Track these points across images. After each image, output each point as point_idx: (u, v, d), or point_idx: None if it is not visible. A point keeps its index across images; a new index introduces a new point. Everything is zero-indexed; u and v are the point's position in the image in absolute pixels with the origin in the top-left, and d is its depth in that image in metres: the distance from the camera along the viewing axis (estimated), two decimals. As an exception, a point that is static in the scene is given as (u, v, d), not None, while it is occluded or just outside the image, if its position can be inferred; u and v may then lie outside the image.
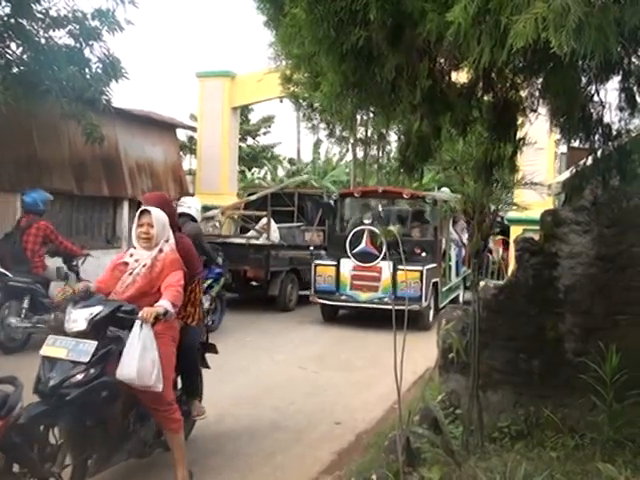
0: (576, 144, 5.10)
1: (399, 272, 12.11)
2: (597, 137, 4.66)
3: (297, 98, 16.90)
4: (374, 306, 12.38)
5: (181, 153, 20.90)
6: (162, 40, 72.59)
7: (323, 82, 4.00)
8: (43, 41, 11.91)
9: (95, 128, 12.82)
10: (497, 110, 4.40)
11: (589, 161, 4.89)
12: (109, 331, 4.70)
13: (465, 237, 15.36)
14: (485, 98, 4.48)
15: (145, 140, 16.68)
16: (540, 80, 4.13)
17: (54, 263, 10.24)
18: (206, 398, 5.94)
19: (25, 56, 11.94)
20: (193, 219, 10.01)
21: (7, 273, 9.33)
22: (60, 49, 12.00)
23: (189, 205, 10.14)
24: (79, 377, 4.40)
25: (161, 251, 5.04)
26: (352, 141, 19.93)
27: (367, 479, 4.36)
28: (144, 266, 4.99)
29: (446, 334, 5.80)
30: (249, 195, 17.03)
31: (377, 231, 12.16)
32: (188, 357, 5.51)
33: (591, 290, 5.75)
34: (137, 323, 4.59)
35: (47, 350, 4.55)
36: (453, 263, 15.08)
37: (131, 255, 5.13)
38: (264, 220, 14.48)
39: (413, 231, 14.13)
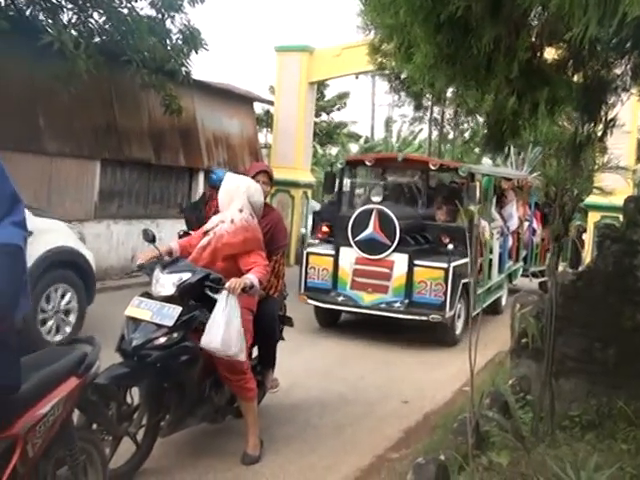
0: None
1: (417, 269, 9.28)
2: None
3: (385, 69, 16.44)
4: (380, 313, 9.42)
5: (257, 126, 21.00)
6: (242, 12, 72.95)
7: (416, 53, 3.90)
8: (125, 11, 12.10)
9: (174, 99, 13.04)
10: (589, 89, 4.26)
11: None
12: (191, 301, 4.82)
13: (513, 223, 12.88)
14: (575, 77, 4.35)
15: (222, 112, 16.83)
16: (634, 58, 3.98)
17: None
18: (277, 368, 5.99)
19: (107, 26, 12.17)
20: None
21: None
22: (142, 19, 12.17)
23: None
24: (162, 340, 4.53)
25: (232, 221, 5.05)
26: (429, 117, 19.56)
27: (435, 459, 4.33)
28: (214, 235, 5.08)
29: (522, 318, 5.70)
30: None
31: (389, 213, 9.53)
32: (267, 327, 5.56)
33: (672, 280, 5.57)
34: (224, 293, 4.67)
35: (132, 311, 4.68)
36: (495, 256, 11.59)
37: (211, 222, 5.28)
38: None
39: (439, 213, 10.63)
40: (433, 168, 10.60)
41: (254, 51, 72.79)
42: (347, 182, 11.77)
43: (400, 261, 9.36)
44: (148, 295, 4.80)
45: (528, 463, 4.49)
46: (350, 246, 9.58)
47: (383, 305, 9.33)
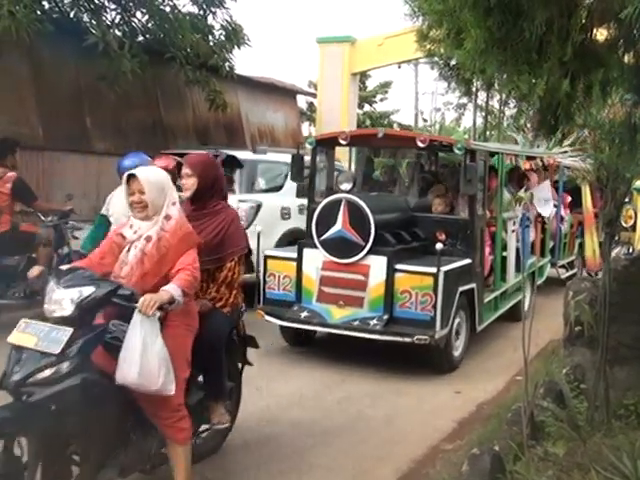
0: None
1: (398, 275, 7.11)
2: None
3: (434, 56, 16.19)
4: (351, 333, 7.18)
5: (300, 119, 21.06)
6: (283, 6, 73.16)
7: (466, 39, 3.79)
8: (168, 9, 12.26)
9: (218, 95, 13.15)
10: (640, 69, 4.16)
11: None
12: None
13: (547, 209, 10.16)
14: (625, 58, 4.26)
15: (266, 106, 16.94)
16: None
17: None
18: (329, 356, 5.93)
19: (150, 24, 12.33)
20: None
21: None
22: (184, 17, 12.32)
23: None
24: (47, 373, 3.45)
25: (168, 217, 4.04)
26: (474, 103, 19.34)
27: (490, 450, 4.28)
28: (148, 240, 3.98)
29: (576, 306, 5.61)
30: None
31: (361, 203, 7.38)
32: (211, 349, 4.48)
33: None
34: (136, 313, 3.67)
35: (16, 337, 3.58)
36: (511, 253, 9.34)
37: (130, 226, 4.10)
38: None
39: (437, 203, 8.56)
40: (421, 145, 8.01)
41: (294, 44, 72.96)
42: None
43: (377, 265, 7.22)
44: (43, 316, 3.67)
45: (584, 453, 4.43)
46: (315, 247, 7.50)
47: (357, 322, 7.18)
